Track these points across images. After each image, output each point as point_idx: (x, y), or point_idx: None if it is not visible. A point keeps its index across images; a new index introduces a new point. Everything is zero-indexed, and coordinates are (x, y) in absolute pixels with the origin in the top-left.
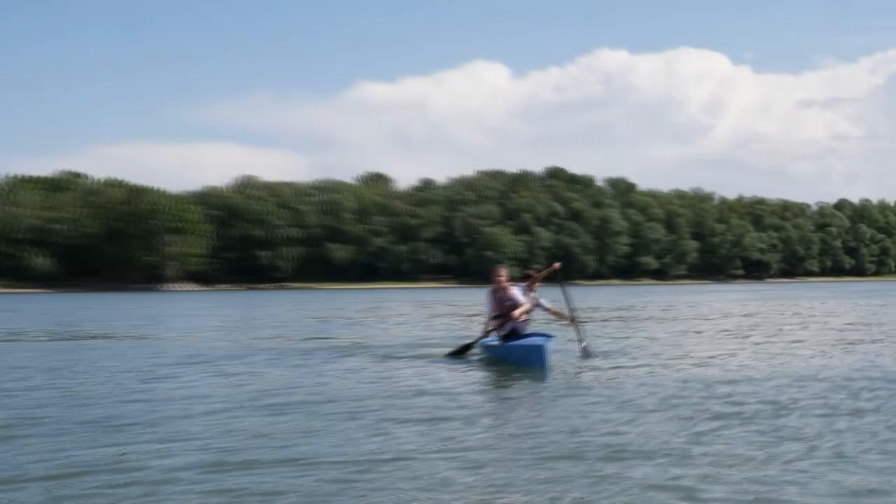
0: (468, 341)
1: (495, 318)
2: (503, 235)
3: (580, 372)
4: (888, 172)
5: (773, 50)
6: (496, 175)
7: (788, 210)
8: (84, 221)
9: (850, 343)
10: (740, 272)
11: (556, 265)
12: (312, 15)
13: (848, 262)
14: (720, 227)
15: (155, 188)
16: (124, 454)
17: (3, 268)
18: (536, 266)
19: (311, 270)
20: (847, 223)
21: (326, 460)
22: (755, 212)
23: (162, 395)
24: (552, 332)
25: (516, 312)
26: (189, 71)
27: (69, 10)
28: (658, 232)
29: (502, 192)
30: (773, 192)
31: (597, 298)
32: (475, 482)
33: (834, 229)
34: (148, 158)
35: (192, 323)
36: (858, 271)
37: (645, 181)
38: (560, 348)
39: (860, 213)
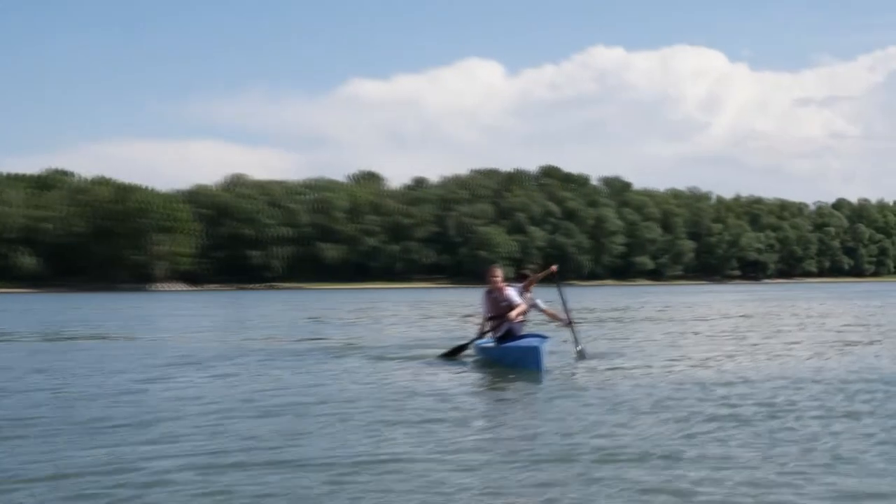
0: (462, 342)
1: (490, 318)
2: (497, 235)
3: (576, 374)
4: (886, 172)
5: (771, 47)
6: (490, 174)
7: (786, 210)
8: (72, 220)
9: (848, 344)
10: (737, 272)
11: (554, 268)
12: (305, 12)
13: (846, 262)
14: (717, 226)
15: (144, 186)
16: (114, 456)
17: None
18: (531, 266)
19: (301, 270)
20: (845, 223)
21: (318, 462)
22: (752, 211)
23: (152, 396)
24: (548, 334)
25: (512, 314)
26: (179, 68)
27: (59, 8)
28: (654, 232)
29: (496, 190)
30: (770, 190)
31: (592, 299)
32: (468, 484)
33: (832, 229)
34: (137, 156)
35: (182, 323)
36: (857, 272)
37: (641, 179)
38: (556, 349)
39: (859, 213)
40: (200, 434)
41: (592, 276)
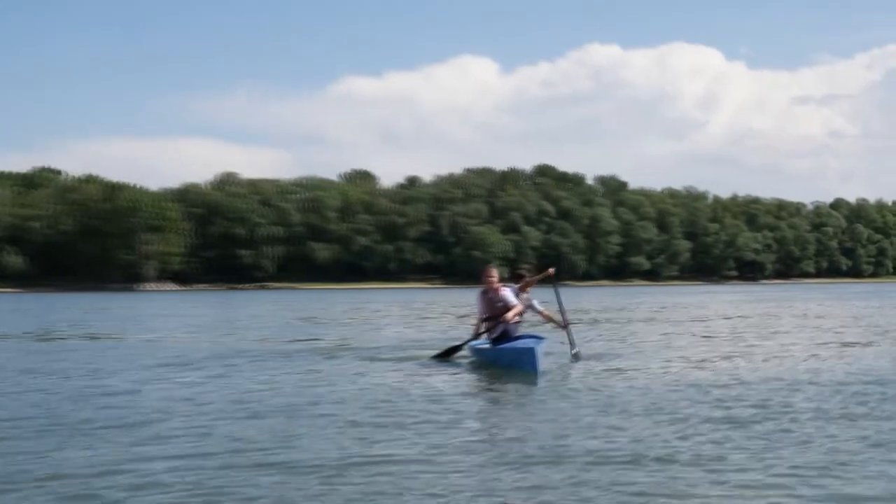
0: (456, 343)
1: (486, 319)
2: (491, 235)
3: (571, 375)
4: (885, 171)
5: (769, 45)
6: (484, 172)
7: (783, 209)
8: (60, 219)
9: (845, 346)
10: (734, 273)
11: (551, 270)
12: (296, 8)
13: (844, 262)
14: (713, 226)
15: (133, 185)
16: (103, 457)
17: None
18: (525, 266)
19: (293, 270)
20: (843, 223)
21: (309, 464)
22: (749, 211)
23: (141, 397)
24: (543, 335)
25: (509, 315)
26: (169, 66)
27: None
28: (650, 231)
29: (490, 189)
30: (768, 190)
31: (587, 300)
32: (462, 486)
33: (830, 229)
34: (126, 154)
35: (172, 324)
36: (855, 272)
37: (637, 179)
38: (551, 351)
39: (857, 213)
40: (191, 435)
41: (587, 276)
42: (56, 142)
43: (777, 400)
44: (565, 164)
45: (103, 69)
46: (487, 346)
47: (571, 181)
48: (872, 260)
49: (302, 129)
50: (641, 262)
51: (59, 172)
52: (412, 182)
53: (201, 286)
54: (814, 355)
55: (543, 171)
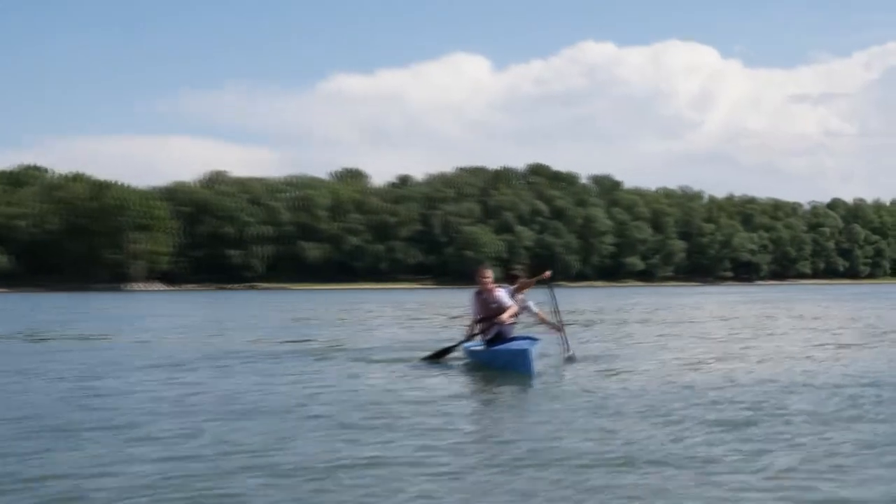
0: (448, 345)
1: (480, 321)
2: (483, 234)
3: (566, 377)
4: (882, 170)
5: (765, 43)
6: (476, 171)
7: (780, 209)
8: (46, 217)
9: (841, 348)
10: (729, 274)
11: (547, 273)
12: (286, 5)
13: (841, 263)
14: (709, 226)
15: (120, 183)
16: (89, 459)
17: None
18: (518, 266)
19: (283, 270)
20: (840, 223)
21: (297, 466)
22: (745, 211)
23: (128, 399)
24: (538, 336)
25: (504, 316)
26: (157, 63)
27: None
28: (644, 231)
29: (483, 189)
30: (764, 189)
31: (581, 300)
32: (453, 489)
33: (827, 230)
34: (113, 152)
35: (159, 325)
36: (852, 273)
37: (631, 178)
38: (546, 352)
39: (854, 213)
40: (179, 437)
41: (581, 276)
42: (43, 140)
43: (772, 402)
44: (559, 163)
45: (91, 67)
46: (481, 347)
47: (565, 180)
48: (869, 261)
49: (292, 127)
50: (636, 262)
51: (44, 170)
52: (404, 181)
53: (190, 286)
54: (809, 357)
55: (537, 170)
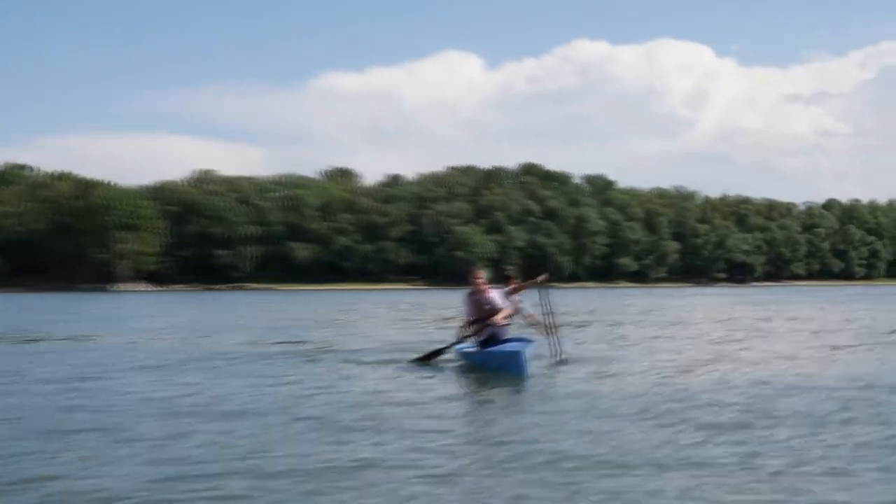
0: (439, 346)
1: (473, 322)
2: (475, 235)
3: (558, 379)
4: (878, 171)
5: (759, 42)
6: (468, 171)
7: (774, 210)
8: (30, 216)
9: (835, 350)
10: (723, 275)
11: (542, 277)
12: (276, 1)
13: (836, 265)
14: (703, 227)
15: (106, 182)
16: (74, 462)
17: None
18: (510, 267)
19: (271, 270)
20: (835, 224)
21: (286, 469)
22: (739, 211)
23: (114, 401)
24: (532, 337)
25: (498, 317)
26: (144, 59)
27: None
28: (637, 232)
29: (474, 188)
30: (759, 189)
31: (573, 302)
32: (444, 492)
33: (822, 230)
34: (99, 151)
35: (146, 325)
36: (847, 275)
37: (624, 177)
38: (540, 354)
39: (849, 214)
40: (166, 440)
41: (573, 277)
42: (28, 138)
43: (766, 404)
44: (551, 163)
45: (78, 65)
46: (474, 349)
47: (557, 180)
48: (865, 262)
49: (281, 125)
50: (629, 263)
51: (29, 169)
52: (394, 180)
53: (177, 286)
54: (803, 359)
55: (529, 170)
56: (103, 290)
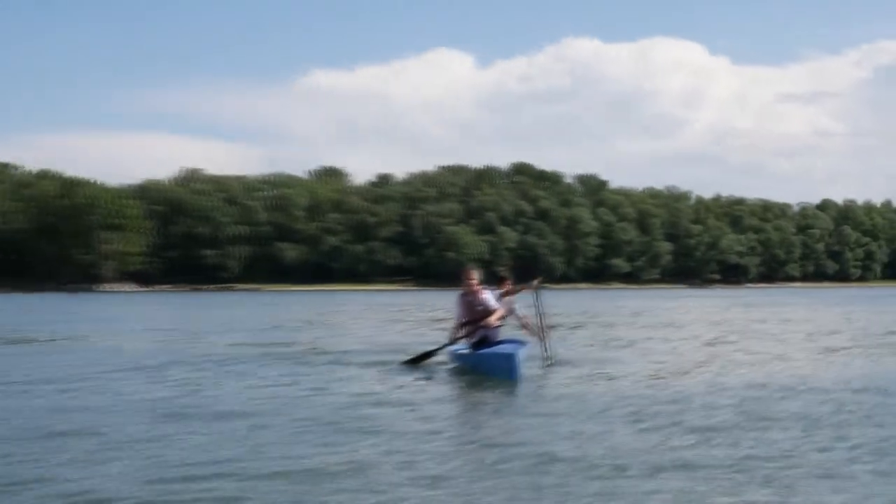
0: (430, 348)
1: (465, 324)
2: (465, 235)
3: (551, 382)
4: (873, 171)
5: (753, 40)
6: (458, 170)
7: (769, 211)
8: (14, 216)
9: (831, 353)
10: (717, 276)
11: (536, 281)
12: None
13: (831, 266)
14: (696, 228)
15: (91, 181)
16: (60, 466)
17: None
18: (502, 268)
19: (259, 271)
20: (830, 225)
21: (275, 472)
22: (733, 212)
23: (100, 403)
24: (526, 339)
25: (492, 318)
26: (129, 56)
27: None
28: (630, 233)
29: (465, 188)
30: (753, 190)
31: (565, 303)
32: (434, 496)
33: (816, 231)
34: (84, 149)
35: (132, 327)
36: (842, 276)
37: (617, 178)
38: (533, 356)
39: (844, 215)
40: (153, 442)
41: (565, 278)
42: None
43: (760, 407)
44: (543, 163)
45: (61, 62)
46: (467, 351)
47: (549, 180)
48: (860, 264)
49: (269, 124)
50: (621, 264)
51: (13, 167)
52: (384, 180)
53: (163, 287)
54: (797, 362)
55: (520, 170)
56: (88, 290)
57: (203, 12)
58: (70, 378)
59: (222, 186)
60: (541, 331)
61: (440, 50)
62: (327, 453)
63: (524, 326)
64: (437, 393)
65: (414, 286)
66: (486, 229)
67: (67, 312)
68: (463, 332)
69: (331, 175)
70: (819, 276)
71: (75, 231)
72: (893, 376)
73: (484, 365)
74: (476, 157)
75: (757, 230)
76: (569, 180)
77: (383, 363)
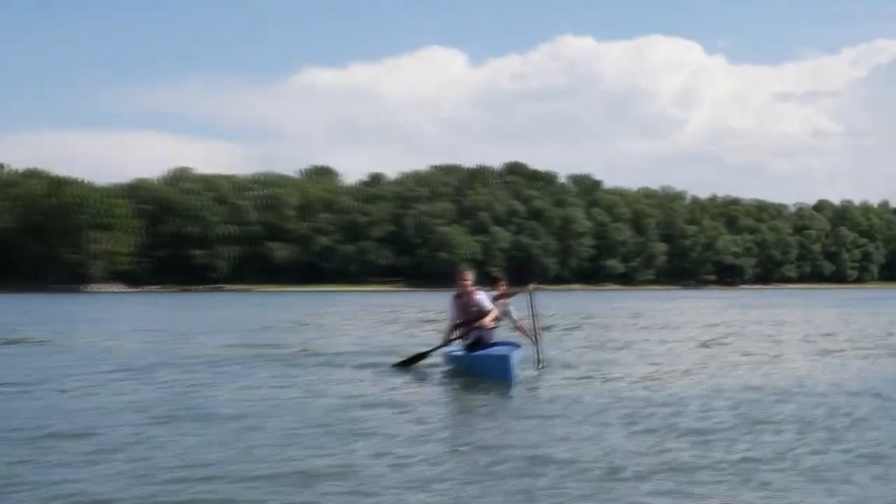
0: (422, 350)
1: (459, 325)
2: (458, 235)
3: (545, 385)
4: (870, 172)
5: (750, 39)
6: (451, 170)
7: (765, 211)
8: (1, 216)
9: (827, 355)
10: (712, 277)
11: (532, 286)
12: None
13: (828, 267)
14: (691, 228)
15: (80, 180)
16: (47, 467)
17: None
18: (495, 268)
19: (249, 271)
20: (827, 226)
21: (265, 476)
22: (729, 213)
23: (86, 406)
24: (520, 342)
25: (486, 320)
26: (118, 53)
27: None
28: (624, 233)
29: (457, 188)
30: (749, 190)
31: (559, 304)
32: (425, 499)
33: (813, 232)
34: (72, 148)
35: (120, 328)
36: (839, 278)
37: (611, 178)
38: (528, 358)
39: (841, 215)
40: (140, 445)
41: (559, 279)
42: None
43: (756, 410)
44: (537, 162)
45: (49, 59)
46: (461, 353)
47: (543, 180)
48: (857, 265)
49: (260, 122)
50: (616, 265)
51: (1, 167)
52: (376, 179)
53: (152, 287)
54: (793, 364)
55: (514, 169)
56: (76, 291)
57: (195, 10)
58: (58, 379)
59: (212, 186)
60: (535, 333)
61: (433, 48)
62: (319, 456)
63: (518, 329)
64: (430, 395)
65: (406, 287)
66: (479, 229)
67: (53, 313)
68: (457, 333)
69: (322, 174)
70: (815, 277)
71: (63, 230)
72: (889, 379)
73: (478, 367)
74: (470, 156)
75: (753, 231)
76: (562, 180)
77: (375, 365)
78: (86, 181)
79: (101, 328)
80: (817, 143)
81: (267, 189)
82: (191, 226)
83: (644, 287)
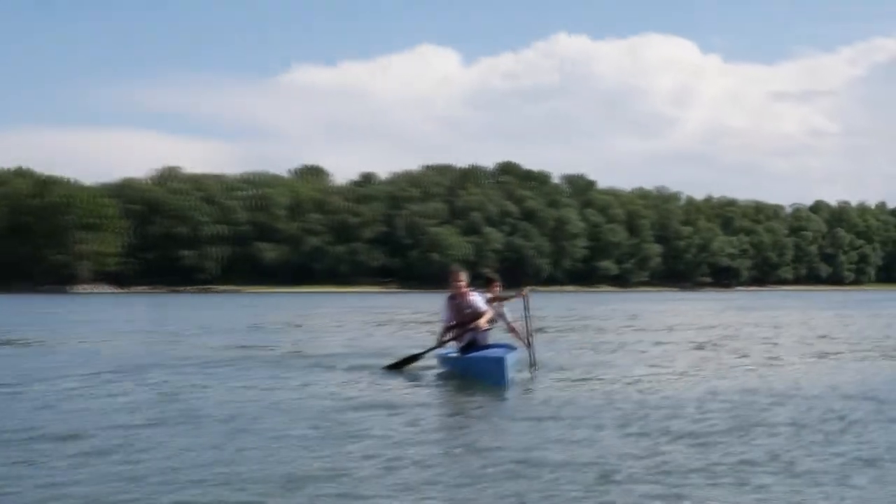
0: (414, 352)
1: (453, 327)
2: (450, 236)
3: (540, 387)
4: (868, 172)
5: (745, 38)
6: (443, 170)
7: (761, 212)
8: None
9: (823, 358)
10: (707, 279)
11: (527, 290)
12: None
13: (824, 269)
14: (686, 229)
15: (66, 179)
16: (36, 469)
17: None
18: (487, 269)
19: (238, 272)
20: (824, 227)
21: (254, 479)
22: (725, 213)
23: (75, 408)
24: (515, 344)
25: (481, 321)
26: (106, 51)
27: None
28: (619, 234)
29: (450, 188)
30: (745, 191)
31: (552, 306)
32: (417, 502)
33: (809, 234)
34: (59, 146)
35: (107, 329)
36: (835, 279)
37: (605, 178)
38: (522, 361)
39: (838, 217)
40: (127, 449)
41: (552, 281)
42: None
43: (751, 414)
44: (530, 162)
45: (35, 55)
46: (455, 354)
47: (536, 180)
48: (854, 267)
49: (249, 121)
50: (610, 266)
51: None
52: (367, 179)
53: (140, 289)
54: (790, 367)
55: (507, 169)
56: (63, 292)
57: (183, 7)
58: (46, 381)
59: (201, 185)
60: (528, 336)
61: (425, 46)
62: (310, 458)
63: (512, 331)
64: (424, 397)
65: (397, 288)
66: (472, 230)
67: (39, 314)
68: (451, 335)
69: (312, 174)
70: (812, 279)
71: (50, 231)
72: (887, 382)
73: (473, 369)
74: (461, 156)
75: (749, 232)
76: (556, 180)
77: (367, 367)
78: (73, 181)
79: (89, 330)
80: (814, 142)
81: (257, 189)
82: (179, 226)
83: (638, 289)
